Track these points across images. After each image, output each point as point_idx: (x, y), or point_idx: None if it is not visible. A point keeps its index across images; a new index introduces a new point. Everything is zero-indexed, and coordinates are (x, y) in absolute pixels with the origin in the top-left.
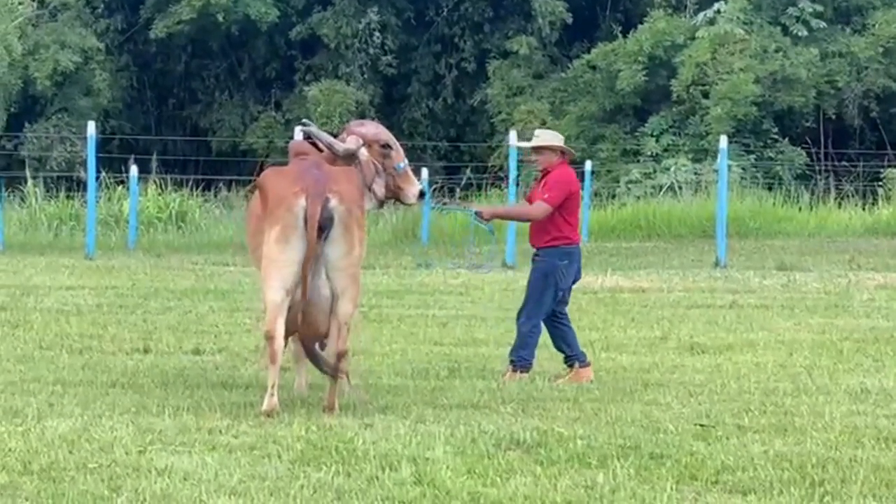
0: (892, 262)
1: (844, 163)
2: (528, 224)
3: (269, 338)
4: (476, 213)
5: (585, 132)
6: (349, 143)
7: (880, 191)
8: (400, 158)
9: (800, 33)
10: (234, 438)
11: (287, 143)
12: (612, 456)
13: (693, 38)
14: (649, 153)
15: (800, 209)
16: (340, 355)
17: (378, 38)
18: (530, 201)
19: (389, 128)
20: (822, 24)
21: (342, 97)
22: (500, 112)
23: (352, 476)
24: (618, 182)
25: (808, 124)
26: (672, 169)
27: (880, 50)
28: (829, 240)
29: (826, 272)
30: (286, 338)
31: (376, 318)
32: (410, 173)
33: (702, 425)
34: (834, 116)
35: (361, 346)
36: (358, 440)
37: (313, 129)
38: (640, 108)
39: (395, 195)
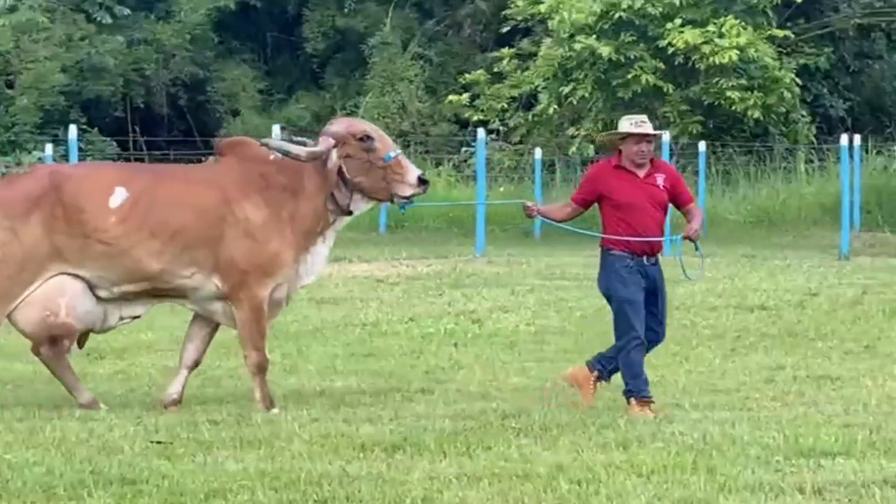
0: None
1: (155, 151)
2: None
3: None
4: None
5: None
6: (320, 145)
7: None
8: (387, 148)
9: (104, 20)
10: None
11: None
12: (78, 485)
13: None
14: None
15: None
16: None
17: None
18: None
19: None
20: (127, 12)
21: None
22: None
23: None
24: None
25: (116, 113)
26: None
27: (187, 37)
28: None
29: None
30: None
31: None
32: (404, 161)
33: (158, 442)
34: (143, 105)
35: None
36: None
37: (273, 141)
38: None
39: (388, 192)
